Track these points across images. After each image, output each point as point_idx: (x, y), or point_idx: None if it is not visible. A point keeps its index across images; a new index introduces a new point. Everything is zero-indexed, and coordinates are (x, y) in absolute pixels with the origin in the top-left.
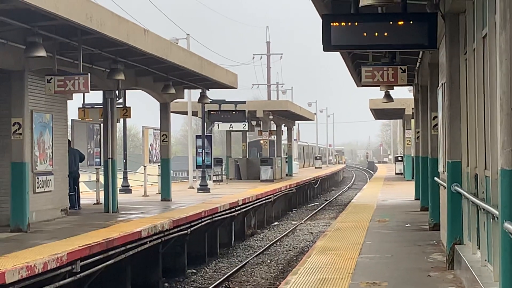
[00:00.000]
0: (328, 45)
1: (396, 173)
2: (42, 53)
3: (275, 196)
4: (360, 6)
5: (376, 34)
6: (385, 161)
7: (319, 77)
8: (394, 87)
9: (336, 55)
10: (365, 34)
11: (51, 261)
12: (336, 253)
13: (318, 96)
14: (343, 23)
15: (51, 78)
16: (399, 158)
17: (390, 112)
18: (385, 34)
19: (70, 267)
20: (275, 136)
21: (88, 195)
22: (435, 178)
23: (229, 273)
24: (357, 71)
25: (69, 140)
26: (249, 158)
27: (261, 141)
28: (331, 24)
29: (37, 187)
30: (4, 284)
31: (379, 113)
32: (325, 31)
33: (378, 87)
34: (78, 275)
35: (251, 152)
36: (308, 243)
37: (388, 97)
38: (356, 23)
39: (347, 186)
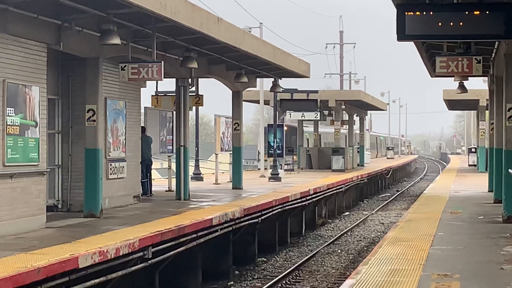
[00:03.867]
0: (402, 35)
1: (469, 165)
2: (116, 40)
3: (346, 186)
4: None
5: (451, 24)
6: (458, 152)
7: (392, 67)
8: (469, 78)
9: (410, 45)
10: (440, 24)
11: (123, 247)
12: (407, 244)
13: (391, 86)
14: (417, 13)
15: (125, 65)
16: (473, 150)
17: (464, 103)
18: (460, 24)
19: (142, 253)
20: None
21: (160, 182)
22: (509, 170)
23: (299, 262)
24: (431, 61)
25: (143, 127)
26: (321, 147)
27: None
28: (406, 13)
29: (110, 174)
30: (77, 269)
31: (452, 104)
32: (399, 20)
33: (452, 78)
34: (149, 261)
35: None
36: (379, 233)
37: (462, 87)
38: (431, 13)
39: (419, 177)
